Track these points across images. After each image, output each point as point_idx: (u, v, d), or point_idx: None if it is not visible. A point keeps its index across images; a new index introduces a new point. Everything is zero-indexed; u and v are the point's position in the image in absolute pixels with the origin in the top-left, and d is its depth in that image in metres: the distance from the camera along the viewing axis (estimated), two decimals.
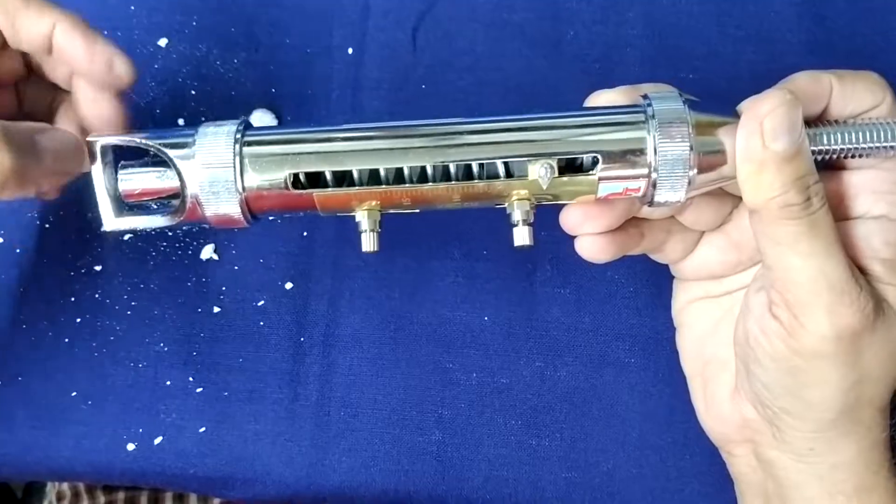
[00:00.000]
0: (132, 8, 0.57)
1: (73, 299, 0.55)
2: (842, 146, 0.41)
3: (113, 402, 0.54)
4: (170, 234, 0.55)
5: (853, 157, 0.41)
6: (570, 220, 0.43)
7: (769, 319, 0.41)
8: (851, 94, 0.41)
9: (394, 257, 0.55)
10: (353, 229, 0.54)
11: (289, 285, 0.55)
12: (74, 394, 0.54)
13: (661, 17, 0.56)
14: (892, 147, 0.40)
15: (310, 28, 0.57)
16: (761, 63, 0.56)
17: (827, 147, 0.41)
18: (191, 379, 0.53)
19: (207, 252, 0.55)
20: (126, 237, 0.55)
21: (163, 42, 0.57)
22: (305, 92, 0.56)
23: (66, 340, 0.54)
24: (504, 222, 0.54)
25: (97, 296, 0.55)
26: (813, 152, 0.40)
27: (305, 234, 0.55)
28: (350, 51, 0.57)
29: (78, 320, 0.54)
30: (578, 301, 0.54)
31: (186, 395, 0.53)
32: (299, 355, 0.54)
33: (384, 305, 0.55)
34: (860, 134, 0.40)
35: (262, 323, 0.54)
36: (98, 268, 0.55)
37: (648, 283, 0.54)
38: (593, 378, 0.54)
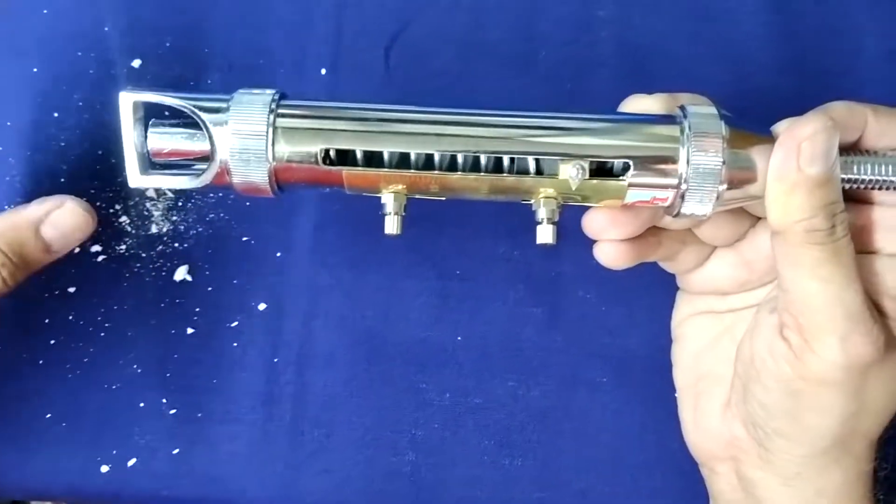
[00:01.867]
0: (105, 29, 0.57)
1: (46, 321, 0.54)
2: (872, 177, 0.40)
3: (86, 423, 0.54)
4: (143, 255, 0.55)
5: (882, 189, 0.41)
6: (595, 224, 0.42)
7: (779, 341, 0.41)
8: (886, 128, 0.41)
9: (367, 277, 0.55)
10: (327, 249, 0.55)
11: (262, 306, 0.55)
12: (48, 415, 0.54)
13: (633, 38, 0.57)
14: None
15: (282, 49, 0.57)
16: (732, 82, 0.56)
17: (857, 176, 0.40)
18: (164, 400, 0.53)
19: (181, 273, 0.55)
20: (99, 258, 0.55)
21: (136, 63, 0.57)
22: None
23: (41, 362, 0.54)
24: (478, 242, 0.55)
25: (70, 317, 0.55)
26: (842, 180, 0.40)
27: (279, 254, 0.55)
28: (323, 71, 0.57)
29: (52, 342, 0.54)
30: (551, 321, 0.55)
31: (160, 416, 0.53)
32: (273, 376, 0.54)
33: (358, 325, 0.55)
34: (891, 167, 0.40)
35: (235, 344, 0.54)
36: (71, 289, 0.55)
37: (620, 302, 0.55)
38: (566, 397, 0.54)
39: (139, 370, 0.54)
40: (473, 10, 0.57)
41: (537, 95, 0.56)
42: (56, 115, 0.56)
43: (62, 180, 0.56)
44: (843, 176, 0.40)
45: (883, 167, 0.40)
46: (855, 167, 0.40)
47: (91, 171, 0.56)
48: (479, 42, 0.57)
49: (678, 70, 0.56)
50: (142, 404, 0.54)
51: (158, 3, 0.58)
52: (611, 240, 0.43)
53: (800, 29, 0.56)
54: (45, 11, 0.57)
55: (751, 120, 0.40)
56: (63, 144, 0.56)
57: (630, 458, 0.53)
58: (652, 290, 0.54)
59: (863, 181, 0.41)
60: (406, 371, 0.54)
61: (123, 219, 0.56)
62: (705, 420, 0.47)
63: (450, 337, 0.55)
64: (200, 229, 0.56)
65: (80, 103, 0.57)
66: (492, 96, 0.57)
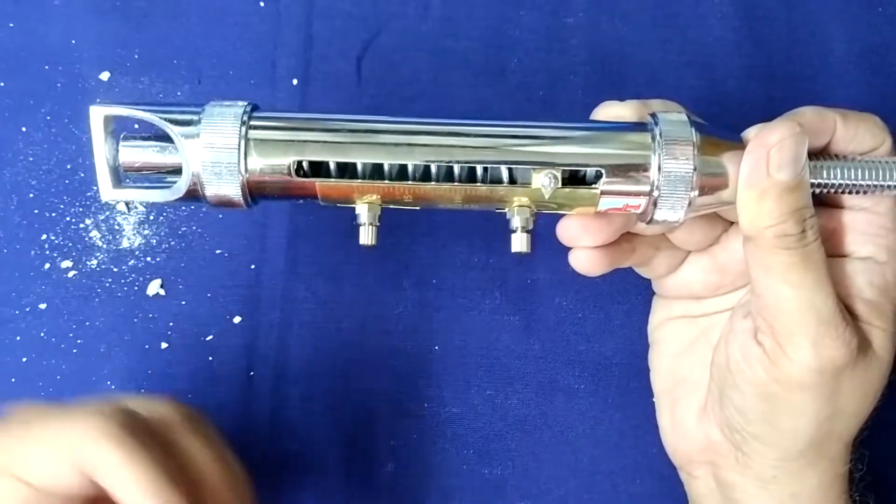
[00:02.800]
0: (73, 42, 0.57)
1: (18, 338, 0.54)
2: (841, 181, 0.41)
3: None
4: (115, 270, 0.55)
5: (851, 193, 0.42)
6: (569, 231, 0.43)
7: (753, 345, 0.42)
8: (854, 133, 0.42)
9: (342, 288, 0.55)
10: (302, 260, 0.55)
11: (237, 319, 0.54)
12: None
13: (604, 45, 0.57)
14: (890, 186, 0.41)
15: (253, 59, 0.57)
16: (703, 88, 0.56)
17: (826, 181, 0.41)
18: None
19: (154, 287, 0.55)
20: (70, 274, 0.54)
21: (105, 76, 0.56)
22: None
23: (13, 380, 0.54)
24: (453, 251, 0.55)
25: (42, 334, 0.54)
26: (812, 185, 0.41)
27: (253, 266, 0.55)
28: (294, 82, 0.57)
29: (24, 359, 0.54)
30: (527, 328, 0.55)
31: None
32: (249, 389, 0.54)
33: (334, 337, 0.55)
34: (860, 171, 0.41)
35: (210, 358, 0.54)
36: (42, 306, 0.54)
37: (597, 308, 0.55)
38: (544, 405, 0.54)
39: (113, 387, 0.54)
40: (443, 19, 0.57)
41: (510, 103, 0.56)
42: (24, 129, 0.56)
43: (31, 195, 0.55)
44: (813, 181, 0.41)
45: (852, 171, 0.41)
46: (824, 172, 0.41)
47: (60, 185, 0.55)
48: (450, 50, 0.57)
49: (649, 76, 0.56)
50: None
51: (126, 15, 0.57)
52: (585, 247, 0.43)
53: (769, 34, 0.57)
54: (10, 25, 0.57)
55: (722, 126, 0.41)
56: (31, 159, 0.55)
57: (609, 464, 0.53)
58: (628, 296, 0.54)
59: (832, 185, 0.41)
60: (383, 382, 0.54)
61: (94, 233, 0.55)
62: (682, 424, 0.48)
63: (427, 346, 0.55)
64: (173, 242, 0.55)
65: (48, 117, 0.56)
66: (464, 105, 0.57)
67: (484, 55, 0.57)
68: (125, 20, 0.57)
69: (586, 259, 0.43)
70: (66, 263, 0.55)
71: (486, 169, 0.39)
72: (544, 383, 0.54)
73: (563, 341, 0.55)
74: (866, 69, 0.56)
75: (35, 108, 0.56)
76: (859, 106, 0.55)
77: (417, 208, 0.42)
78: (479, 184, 0.40)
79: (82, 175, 0.55)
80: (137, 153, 0.40)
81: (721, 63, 0.56)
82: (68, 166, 0.56)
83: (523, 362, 0.54)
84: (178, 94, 0.57)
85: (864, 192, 0.41)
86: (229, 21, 0.57)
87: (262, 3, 0.57)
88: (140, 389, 0.53)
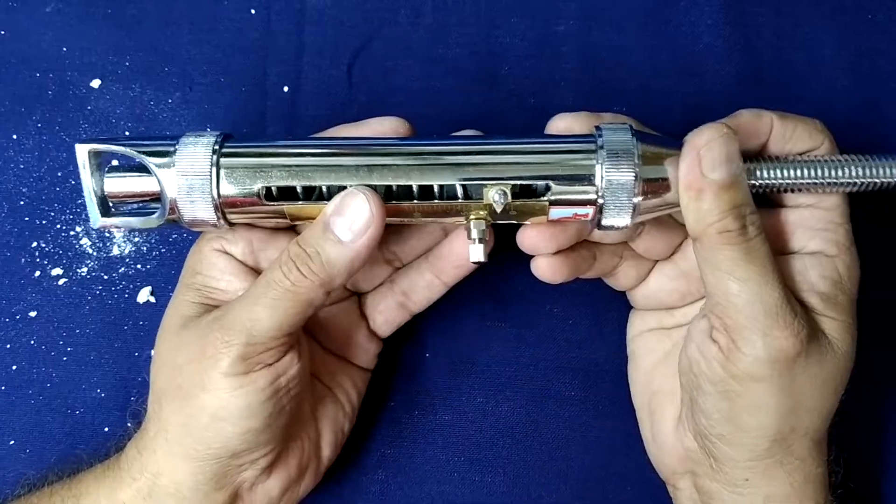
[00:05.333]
0: (64, 49, 0.57)
1: (8, 346, 0.54)
2: (778, 181, 0.43)
3: (51, 450, 0.53)
4: (105, 277, 0.55)
5: (789, 191, 0.43)
6: (525, 240, 0.44)
7: (709, 343, 0.43)
8: (791, 134, 0.43)
9: None
10: None
11: None
12: (12, 442, 0.53)
13: (595, 52, 0.57)
14: (825, 183, 0.43)
15: (244, 66, 0.57)
16: (692, 95, 0.56)
17: (764, 181, 0.43)
18: (129, 425, 0.52)
19: (144, 295, 0.54)
20: (60, 282, 0.54)
21: (96, 83, 0.57)
22: (241, 130, 0.56)
23: (3, 388, 0.54)
24: None
25: (32, 342, 0.54)
26: (752, 185, 0.42)
27: None
28: (286, 88, 0.57)
29: (14, 367, 0.54)
30: (518, 336, 0.55)
31: (125, 441, 0.53)
32: None
33: None
34: (795, 170, 0.42)
35: None
36: (33, 314, 0.54)
37: (587, 315, 0.55)
38: (534, 412, 0.54)
39: (103, 394, 0.54)
40: (434, 26, 0.58)
41: (501, 111, 0.57)
42: (14, 136, 0.56)
43: (21, 203, 0.55)
44: (754, 182, 0.43)
45: (788, 170, 0.43)
46: (762, 171, 0.43)
47: (51, 193, 0.55)
48: (441, 58, 0.57)
49: (639, 83, 0.56)
50: (106, 429, 0.53)
51: (118, 23, 0.57)
52: (544, 254, 0.45)
53: (758, 41, 0.57)
54: (2, 32, 0.57)
55: (666, 136, 0.43)
56: (22, 167, 0.56)
57: (599, 471, 0.53)
58: (618, 304, 0.54)
59: (770, 184, 0.43)
60: (374, 389, 0.54)
61: (85, 241, 0.55)
62: (661, 436, 0.48)
63: (418, 354, 0.55)
64: (163, 250, 0.55)
65: (40, 125, 0.56)
66: (455, 112, 0.57)
67: (475, 62, 0.57)
68: (117, 28, 0.57)
69: (546, 266, 0.45)
70: (57, 271, 0.55)
71: (442, 186, 0.42)
72: (535, 390, 0.54)
73: (553, 348, 0.55)
74: (856, 74, 0.56)
75: (26, 116, 0.56)
76: (849, 111, 0.55)
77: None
78: (436, 200, 0.42)
79: (73, 182, 0.55)
80: (121, 184, 0.44)
81: (711, 70, 0.56)
82: (59, 174, 0.56)
83: (514, 369, 0.54)
84: (170, 101, 0.57)
85: (805, 190, 0.43)
86: (220, 29, 0.57)
87: (253, 11, 0.58)
88: (130, 398, 0.53)
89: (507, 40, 0.57)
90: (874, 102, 0.56)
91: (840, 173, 0.42)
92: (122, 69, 0.57)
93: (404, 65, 0.57)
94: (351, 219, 0.41)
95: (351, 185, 0.42)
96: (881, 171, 0.43)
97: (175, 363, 0.44)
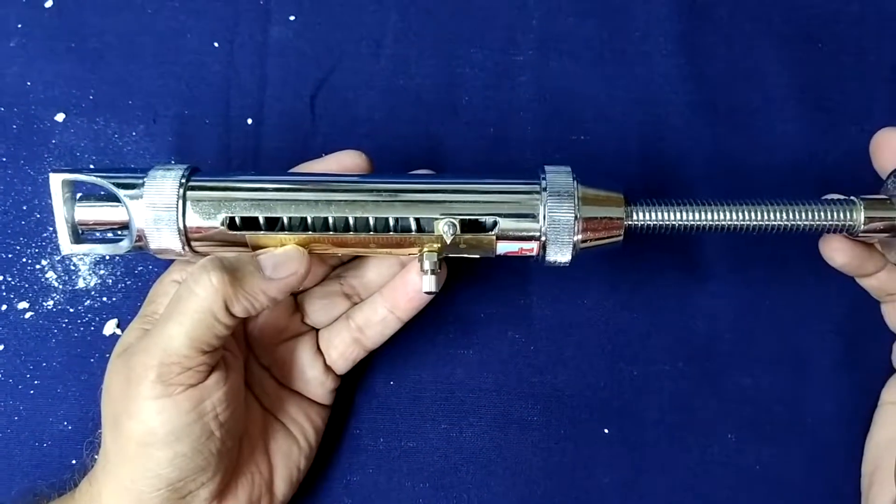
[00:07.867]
0: (28, 83, 0.57)
1: None
2: None
3: (19, 482, 0.53)
4: (71, 310, 0.55)
5: None
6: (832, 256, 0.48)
7: None
8: None
9: None
10: None
11: None
12: None
13: (552, 82, 0.58)
14: None
15: (208, 99, 0.58)
16: (648, 123, 0.57)
17: None
18: (97, 457, 0.53)
19: (110, 328, 0.55)
20: (26, 315, 0.55)
21: (60, 117, 0.57)
22: (205, 162, 0.56)
23: None
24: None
25: (0, 376, 0.54)
26: None
27: None
28: (249, 121, 0.57)
29: None
30: (481, 362, 0.55)
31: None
32: None
33: None
34: None
35: None
36: (0, 347, 0.55)
37: (548, 341, 0.56)
38: (498, 437, 0.55)
39: (70, 427, 0.54)
40: (395, 57, 0.58)
41: (461, 140, 0.57)
42: None
43: None
44: None
45: None
46: None
47: (16, 226, 0.56)
48: (402, 88, 0.58)
49: (596, 112, 0.58)
50: (73, 461, 0.53)
51: (81, 56, 0.58)
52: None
53: (711, 71, 0.58)
54: None
55: (606, 179, 0.46)
56: None
57: (562, 496, 0.54)
58: (579, 329, 0.55)
59: None
60: (339, 416, 0.54)
61: (50, 274, 0.55)
62: None
63: (382, 381, 0.55)
64: (129, 282, 0.56)
65: (4, 159, 0.56)
66: (417, 141, 0.57)
67: (435, 93, 0.58)
68: (80, 61, 0.58)
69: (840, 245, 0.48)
70: (23, 304, 0.55)
71: (397, 219, 0.45)
72: (498, 416, 0.55)
73: (515, 374, 0.55)
74: (806, 103, 0.57)
75: None
76: (799, 138, 0.57)
77: (339, 254, 0.47)
78: (391, 232, 0.45)
79: (38, 216, 0.56)
80: (91, 212, 0.47)
81: (665, 99, 0.58)
82: (24, 207, 0.56)
83: (477, 395, 0.55)
84: (133, 133, 0.57)
85: None
86: (183, 61, 0.58)
87: (216, 44, 0.58)
88: (97, 430, 0.53)
89: (467, 71, 0.58)
90: (825, 130, 0.57)
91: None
92: (86, 102, 0.57)
93: (366, 96, 0.58)
94: (279, 260, 0.44)
95: (309, 217, 0.44)
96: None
97: (111, 392, 0.44)
